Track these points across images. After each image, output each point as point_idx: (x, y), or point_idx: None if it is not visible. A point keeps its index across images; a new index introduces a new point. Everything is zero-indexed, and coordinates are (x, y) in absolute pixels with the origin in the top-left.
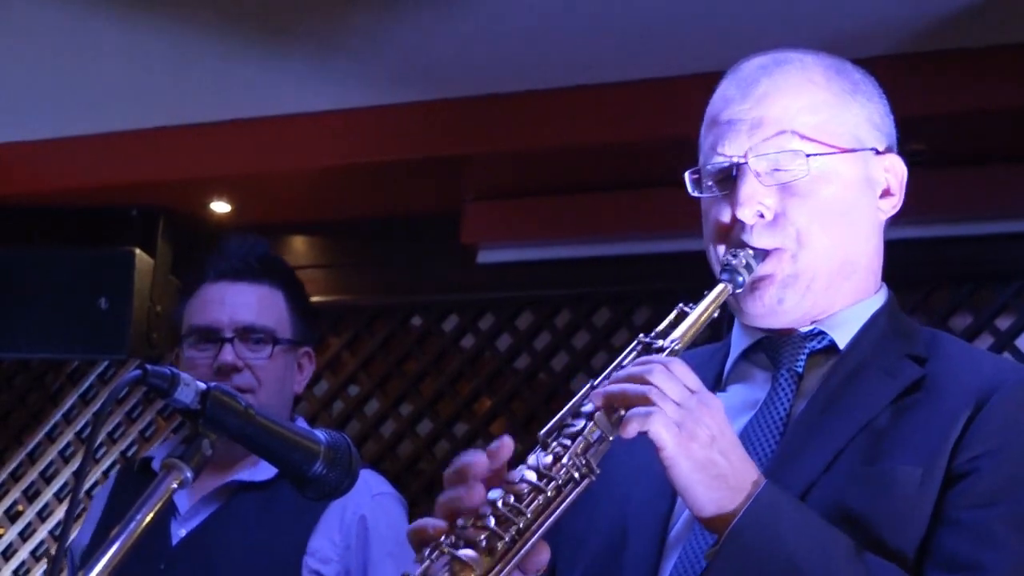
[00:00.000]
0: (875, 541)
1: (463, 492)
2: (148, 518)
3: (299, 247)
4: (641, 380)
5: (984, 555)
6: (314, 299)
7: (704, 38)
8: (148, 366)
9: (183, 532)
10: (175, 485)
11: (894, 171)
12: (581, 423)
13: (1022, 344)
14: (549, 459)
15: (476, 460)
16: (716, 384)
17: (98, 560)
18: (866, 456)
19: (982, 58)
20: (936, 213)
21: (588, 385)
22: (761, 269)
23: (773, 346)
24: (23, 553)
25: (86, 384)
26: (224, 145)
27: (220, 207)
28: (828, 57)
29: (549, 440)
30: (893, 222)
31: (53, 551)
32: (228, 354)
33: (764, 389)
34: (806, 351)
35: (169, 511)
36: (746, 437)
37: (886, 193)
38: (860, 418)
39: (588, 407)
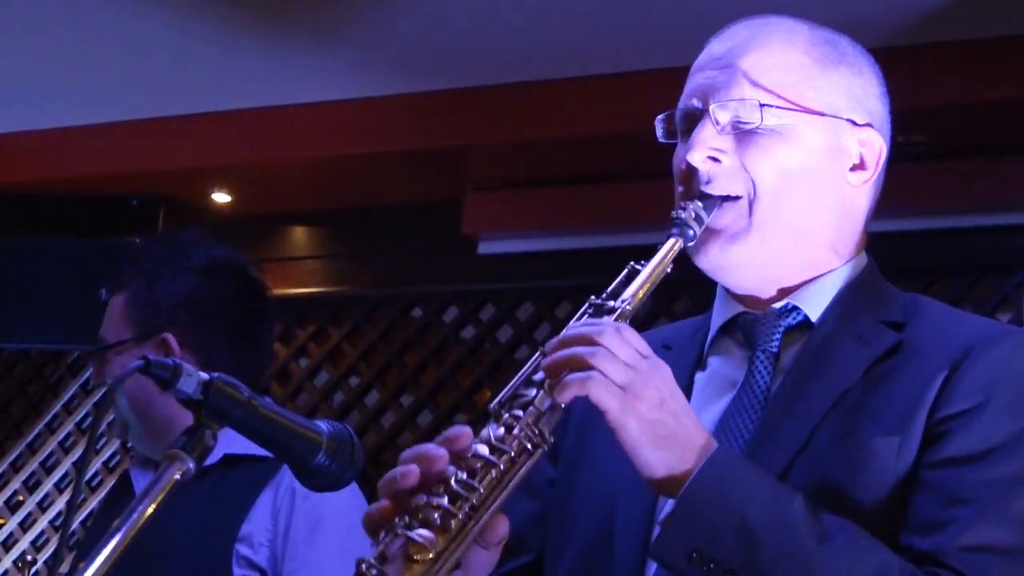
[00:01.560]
0: (857, 514)
1: (399, 474)
2: (151, 509)
3: (299, 237)
4: (590, 342)
5: (956, 512)
6: (314, 290)
7: (702, 29)
8: (150, 356)
9: None
10: (178, 476)
11: (871, 145)
12: (533, 392)
13: None
14: (502, 431)
15: (433, 451)
16: (697, 361)
17: (100, 551)
18: (843, 429)
19: (987, 48)
20: (937, 204)
21: (539, 352)
22: (714, 221)
23: (748, 325)
24: (23, 543)
25: (86, 375)
26: (225, 135)
27: (221, 197)
28: (822, 29)
29: (502, 411)
30: (895, 214)
31: (54, 541)
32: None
33: (743, 368)
34: (780, 329)
35: (129, 499)
36: (727, 418)
37: (858, 167)
38: (835, 389)
39: (540, 375)
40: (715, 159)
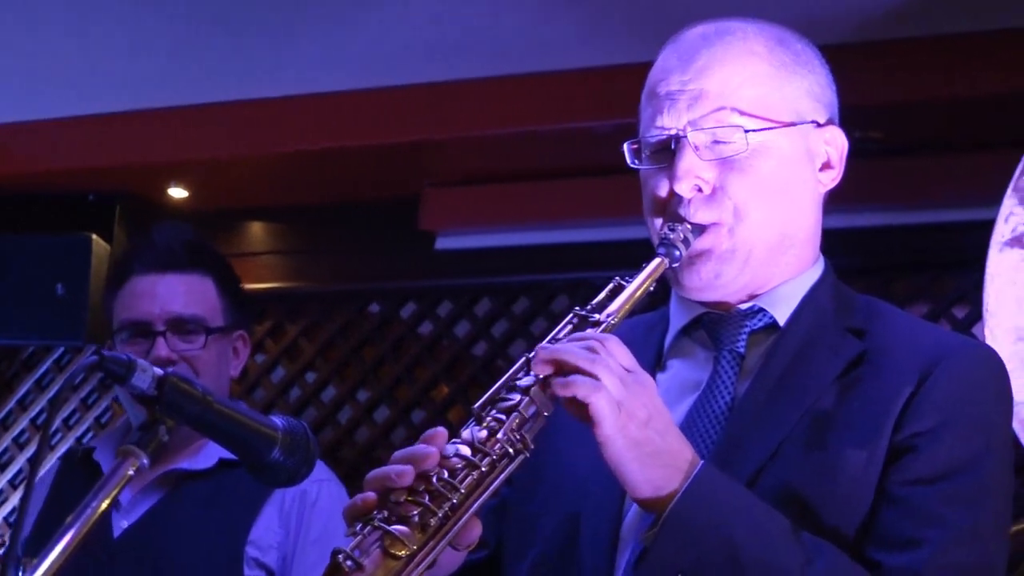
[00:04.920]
0: (824, 528)
1: (394, 473)
2: (104, 505)
3: (257, 233)
4: (589, 350)
5: (922, 532)
6: (272, 285)
7: (662, 25)
8: (104, 352)
9: (125, 524)
10: (131, 472)
11: (834, 143)
12: (516, 397)
13: (979, 331)
14: (484, 434)
15: (427, 453)
16: (656, 362)
17: (52, 548)
18: (811, 441)
19: (943, 46)
20: (895, 201)
21: (524, 358)
22: (698, 244)
23: (713, 324)
24: None
25: (41, 370)
26: (181, 131)
27: (177, 193)
28: (770, 27)
29: (483, 414)
30: (854, 211)
31: (7, 537)
32: (162, 348)
33: (706, 369)
34: (746, 330)
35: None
36: (690, 423)
37: (826, 166)
38: (803, 401)
39: (524, 381)
40: (698, 187)
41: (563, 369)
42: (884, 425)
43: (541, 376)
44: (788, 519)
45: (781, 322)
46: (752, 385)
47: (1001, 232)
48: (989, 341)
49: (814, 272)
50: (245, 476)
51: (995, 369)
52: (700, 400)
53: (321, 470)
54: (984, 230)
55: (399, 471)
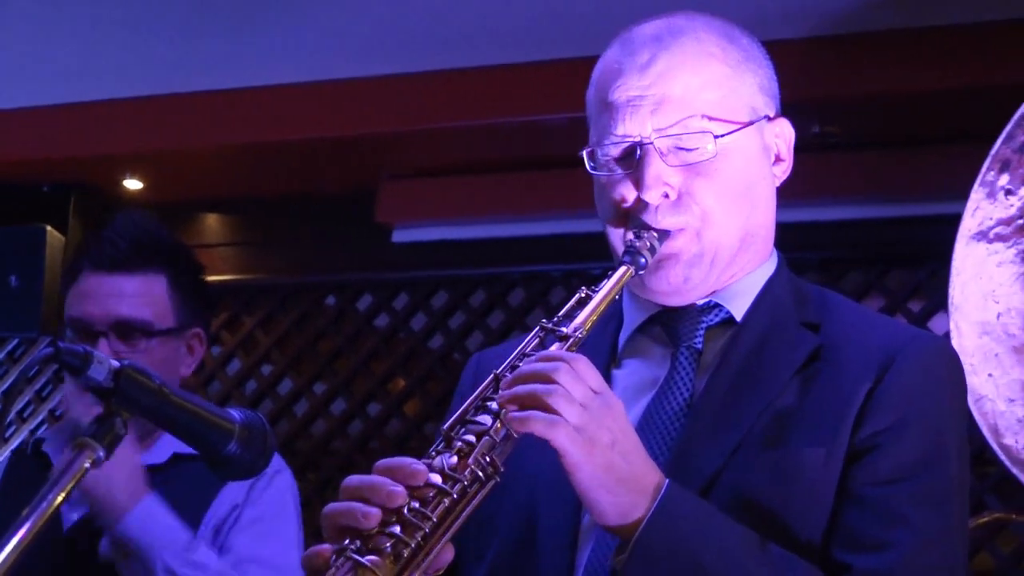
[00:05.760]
0: (783, 527)
1: (359, 513)
2: (60, 498)
3: (213, 225)
4: (546, 379)
5: (890, 533)
6: (228, 277)
7: (615, 19)
8: (60, 343)
9: (75, 516)
10: (88, 464)
11: (783, 136)
12: (487, 420)
13: (935, 326)
14: (454, 459)
15: (393, 488)
16: (611, 359)
17: (6, 543)
18: (770, 439)
19: (897, 41)
20: (850, 195)
21: (492, 375)
22: (666, 248)
23: (670, 321)
24: None
25: None
26: (137, 122)
27: (133, 184)
28: (715, 21)
29: (453, 435)
30: (809, 204)
31: None
32: (102, 350)
33: (663, 366)
34: (703, 326)
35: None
36: (649, 420)
37: (777, 159)
38: (762, 398)
39: (495, 404)
40: (665, 194)
41: (523, 404)
42: (842, 422)
43: (504, 411)
44: (751, 520)
45: (738, 317)
46: (710, 380)
47: (968, 226)
48: (954, 335)
49: (769, 266)
50: (197, 471)
51: (950, 361)
52: (658, 397)
53: (276, 461)
54: (938, 224)
55: (365, 512)
